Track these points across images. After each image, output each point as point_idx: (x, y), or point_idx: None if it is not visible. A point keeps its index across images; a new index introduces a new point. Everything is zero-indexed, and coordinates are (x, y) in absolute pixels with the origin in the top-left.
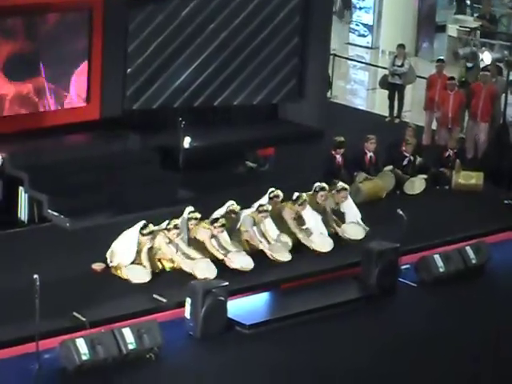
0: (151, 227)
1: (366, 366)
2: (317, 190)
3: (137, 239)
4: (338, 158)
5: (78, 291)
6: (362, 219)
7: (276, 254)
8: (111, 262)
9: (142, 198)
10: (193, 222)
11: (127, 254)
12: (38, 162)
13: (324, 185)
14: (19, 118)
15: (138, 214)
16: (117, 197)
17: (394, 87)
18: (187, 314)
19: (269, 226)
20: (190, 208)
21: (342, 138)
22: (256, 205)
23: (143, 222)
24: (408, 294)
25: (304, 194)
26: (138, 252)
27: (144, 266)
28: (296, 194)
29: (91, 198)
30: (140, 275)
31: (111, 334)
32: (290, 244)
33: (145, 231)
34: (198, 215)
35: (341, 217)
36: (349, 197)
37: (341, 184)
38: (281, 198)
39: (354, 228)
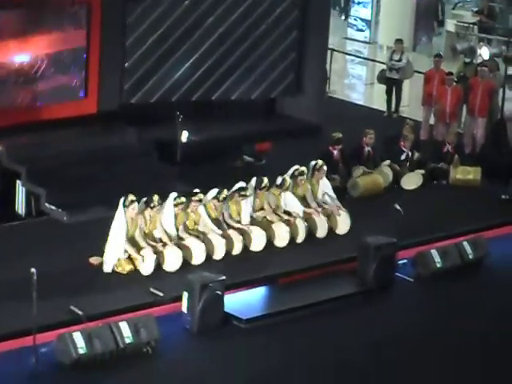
0: (131, 197)
1: (362, 361)
2: (296, 174)
3: (123, 215)
4: (336, 153)
5: (75, 285)
6: (360, 214)
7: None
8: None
9: (140, 191)
10: (179, 206)
11: (119, 236)
12: (36, 155)
13: (303, 168)
14: (17, 111)
15: None
16: (114, 190)
17: (391, 82)
18: (184, 308)
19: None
20: (174, 194)
21: (340, 135)
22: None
23: (122, 197)
24: (405, 289)
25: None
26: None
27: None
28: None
29: (89, 192)
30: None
31: (108, 328)
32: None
33: (127, 202)
34: (184, 199)
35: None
36: (324, 177)
37: (319, 163)
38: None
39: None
